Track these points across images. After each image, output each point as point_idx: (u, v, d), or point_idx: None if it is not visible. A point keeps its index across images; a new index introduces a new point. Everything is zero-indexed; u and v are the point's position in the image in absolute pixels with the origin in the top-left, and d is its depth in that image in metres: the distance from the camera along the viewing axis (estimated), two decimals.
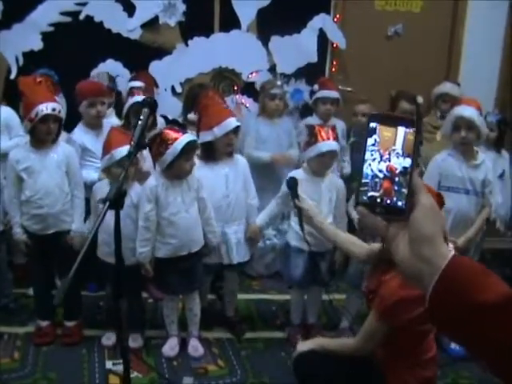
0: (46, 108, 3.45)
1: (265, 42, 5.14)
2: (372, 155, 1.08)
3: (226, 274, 3.92)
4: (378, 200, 1.07)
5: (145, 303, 4.04)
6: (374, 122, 1.09)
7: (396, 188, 1.06)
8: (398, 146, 1.07)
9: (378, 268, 2.69)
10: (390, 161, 1.07)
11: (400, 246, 1.04)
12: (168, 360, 3.64)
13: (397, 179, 1.06)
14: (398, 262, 1.04)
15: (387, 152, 1.07)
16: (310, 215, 3.31)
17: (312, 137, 3.64)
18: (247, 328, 4.03)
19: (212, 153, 3.69)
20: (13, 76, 4.90)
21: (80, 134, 4.08)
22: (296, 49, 5.12)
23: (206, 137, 3.63)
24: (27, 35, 4.89)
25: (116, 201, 2.18)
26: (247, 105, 5.06)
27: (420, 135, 1.09)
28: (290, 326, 3.99)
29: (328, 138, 3.60)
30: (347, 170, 4.58)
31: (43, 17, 4.89)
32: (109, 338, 3.76)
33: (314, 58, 5.18)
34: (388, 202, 1.07)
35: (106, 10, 4.94)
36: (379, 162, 1.08)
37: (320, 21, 5.14)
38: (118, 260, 2.35)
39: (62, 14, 4.91)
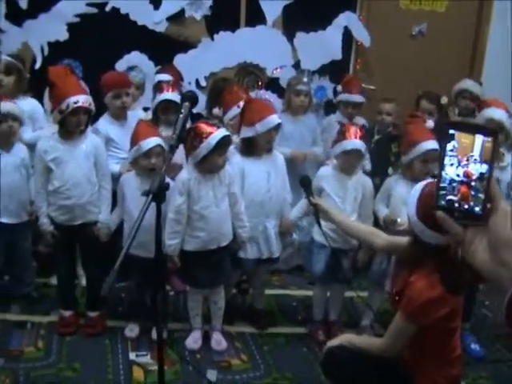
0: (77, 100, 3.44)
1: (290, 37, 5.15)
2: (450, 160, 1.10)
3: (259, 268, 3.91)
4: (456, 205, 1.09)
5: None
6: (452, 128, 1.11)
7: (473, 193, 1.08)
8: (476, 153, 1.09)
9: (403, 268, 2.69)
10: (467, 166, 1.09)
11: (478, 251, 1.06)
12: (191, 353, 3.66)
13: (473, 184, 1.09)
14: (477, 266, 1.06)
15: (465, 158, 1.10)
16: (326, 210, 3.33)
17: (340, 134, 3.65)
18: (269, 323, 4.04)
19: (253, 148, 3.69)
20: (37, 66, 4.92)
21: (105, 124, 4.07)
22: (321, 45, 5.13)
23: (248, 132, 3.62)
24: (53, 25, 4.92)
25: (159, 194, 2.17)
26: (270, 100, 5.05)
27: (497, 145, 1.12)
28: (311, 322, 4.00)
29: (355, 137, 3.61)
30: (368, 166, 4.57)
31: (69, 7, 4.91)
32: (132, 330, 3.78)
33: (339, 56, 5.20)
34: (466, 207, 1.09)
35: (132, 2, 4.95)
36: (457, 167, 1.10)
37: (345, 18, 5.16)
38: (157, 253, 2.35)
39: (88, 5, 4.94)
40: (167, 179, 3.41)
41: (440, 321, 2.48)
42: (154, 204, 2.20)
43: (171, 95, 4.02)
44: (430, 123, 3.82)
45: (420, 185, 2.51)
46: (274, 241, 3.77)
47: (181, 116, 2.38)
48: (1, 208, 3.76)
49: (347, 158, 3.65)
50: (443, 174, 1.11)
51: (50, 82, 3.56)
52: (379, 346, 2.66)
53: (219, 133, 3.36)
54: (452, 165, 1.10)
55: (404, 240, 2.72)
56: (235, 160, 3.68)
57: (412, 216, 2.48)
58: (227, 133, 3.43)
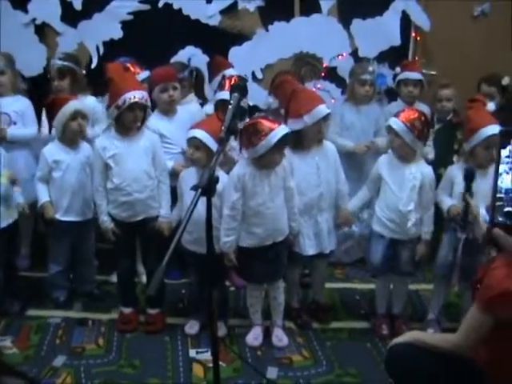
0: (133, 96, 3.45)
1: (346, 25, 5.02)
2: (509, 168, 1.00)
3: (316, 262, 3.85)
4: None
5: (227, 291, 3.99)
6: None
7: None
8: None
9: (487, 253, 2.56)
10: None
11: None
12: (252, 349, 3.61)
13: None
14: None
15: None
16: (476, 214, 3.20)
17: None
18: (331, 317, 3.96)
19: (301, 141, 3.60)
20: (94, 65, 4.96)
21: (155, 121, 4.02)
22: (378, 32, 4.98)
23: (296, 125, 3.51)
24: (107, 24, 4.94)
25: (208, 188, 2.11)
26: (329, 90, 4.96)
27: None
28: (374, 316, 3.90)
29: (401, 118, 3.53)
30: (431, 155, 4.41)
31: (122, 6, 4.93)
32: (192, 327, 3.75)
33: (397, 41, 5.03)
34: None
35: None
36: None
37: (403, 2, 4.99)
38: (209, 250, 2.28)
39: (141, 2, 4.93)
40: (222, 173, 3.41)
41: None
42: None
43: (227, 94, 3.95)
44: (491, 106, 3.67)
45: None
46: (325, 236, 3.68)
47: (229, 107, 2.31)
48: (66, 206, 3.84)
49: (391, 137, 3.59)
50: (499, 183, 1.00)
51: (107, 78, 3.58)
52: (452, 341, 2.50)
53: (280, 130, 3.28)
54: (508, 173, 0.99)
55: None
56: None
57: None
58: (288, 130, 3.35)
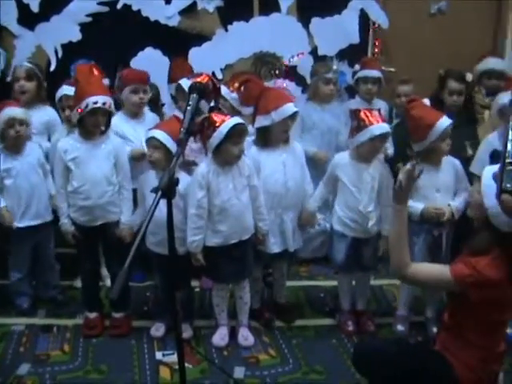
0: (96, 101, 3.40)
1: (305, 24, 5.05)
2: None
3: (278, 261, 3.85)
4: None
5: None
6: None
7: None
8: None
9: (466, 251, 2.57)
10: None
11: None
12: (218, 350, 3.60)
13: None
14: None
15: None
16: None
17: (361, 121, 3.51)
18: (297, 315, 3.97)
19: (268, 138, 3.60)
20: (52, 68, 4.91)
21: (119, 122, 3.97)
22: (337, 30, 5.04)
23: (263, 121, 3.53)
24: (65, 26, 4.90)
25: (168, 190, 2.10)
26: (289, 89, 4.96)
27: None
28: (339, 313, 3.92)
29: (381, 120, 3.53)
30: (390, 151, 4.44)
31: (81, 8, 4.90)
32: (157, 329, 3.73)
33: (356, 39, 5.09)
34: None
35: None
36: None
37: (361, 1, 5.03)
38: (171, 251, 2.28)
39: (100, 3, 4.90)
40: (183, 174, 3.41)
41: (482, 306, 2.37)
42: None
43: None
44: (426, 101, 3.74)
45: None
46: (290, 235, 3.68)
47: (188, 108, 2.31)
48: (22, 211, 3.78)
49: (373, 143, 3.51)
50: (509, 149, 1.00)
51: (74, 79, 3.54)
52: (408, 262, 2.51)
53: (231, 121, 3.31)
54: None
55: None
56: (250, 152, 3.60)
57: (489, 199, 2.21)
58: (240, 121, 3.37)
